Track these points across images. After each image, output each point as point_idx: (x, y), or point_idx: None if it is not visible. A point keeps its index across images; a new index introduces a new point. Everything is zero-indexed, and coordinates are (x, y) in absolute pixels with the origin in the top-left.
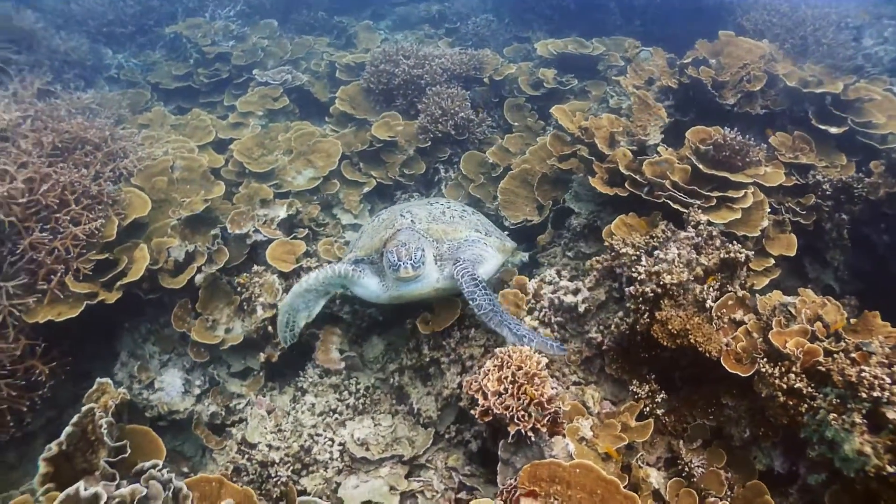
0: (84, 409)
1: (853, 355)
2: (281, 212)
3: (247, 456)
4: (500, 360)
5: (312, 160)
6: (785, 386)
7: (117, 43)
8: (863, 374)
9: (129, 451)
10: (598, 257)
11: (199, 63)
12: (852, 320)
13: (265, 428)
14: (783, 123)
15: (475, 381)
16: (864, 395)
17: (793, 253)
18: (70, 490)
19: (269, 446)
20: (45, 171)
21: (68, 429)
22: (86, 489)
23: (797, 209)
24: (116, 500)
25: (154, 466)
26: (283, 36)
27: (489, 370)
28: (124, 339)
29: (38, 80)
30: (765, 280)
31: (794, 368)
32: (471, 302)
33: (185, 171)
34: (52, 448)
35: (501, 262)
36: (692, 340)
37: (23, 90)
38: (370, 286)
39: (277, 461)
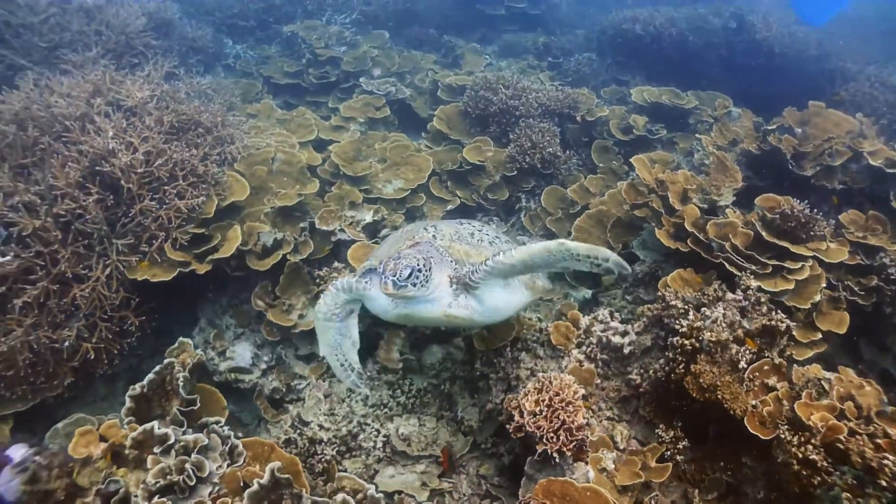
0: (165, 362)
1: (880, 441)
2: (367, 216)
3: (299, 431)
4: (541, 383)
5: (403, 172)
6: (801, 455)
7: (238, 34)
8: (885, 462)
9: (198, 405)
10: (649, 305)
11: (311, 63)
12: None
13: (320, 409)
14: (860, 201)
15: (515, 399)
16: (884, 484)
17: (842, 331)
18: (147, 426)
19: (321, 426)
20: (161, 146)
21: (151, 376)
22: (159, 428)
23: (856, 288)
24: (182, 443)
25: (217, 423)
26: (393, 48)
27: (529, 391)
28: (206, 308)
29: (167, 64)
30: (808, 352)
31: (813, 440)
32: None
33: (285, 164)
34: (136, 388)
35: (527, 301)
36: (719, 396)
37: (154, 72)
38: (378, 299)
39: (325, 440)
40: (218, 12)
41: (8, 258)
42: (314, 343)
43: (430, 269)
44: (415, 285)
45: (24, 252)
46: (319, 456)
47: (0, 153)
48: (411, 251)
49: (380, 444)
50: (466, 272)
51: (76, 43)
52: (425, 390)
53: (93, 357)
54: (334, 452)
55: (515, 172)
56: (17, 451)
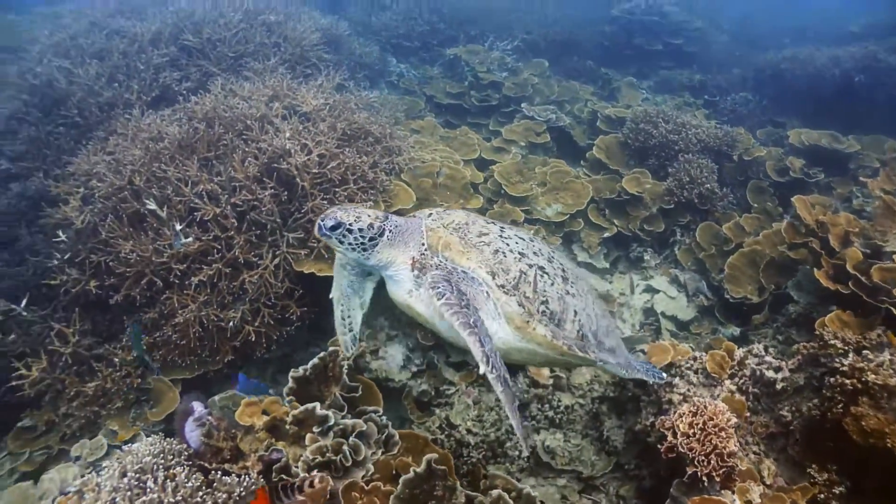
0: (330, 349)
1: None
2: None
3: (446, 433)
4: (696, 407)
5: (563, 197)
6: None
7: (402, 54)
8: None
9: (360, 392)
10: (805, 343)
11: (473, 86)
12: None
13: (468, 415)
14: None
15: (669, 420)
16: None
17: None
18: (309, 406)
19: (469, 430)
20: (334, 151)
21: (315, 361)
22: (320, 410)
23: None
24: (340, 426)
25: (375, 412)
26: (552, 77)
27: (684, 413)
28: None
29: (338, 76)
30: None
31: None
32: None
33: (449, 179)
34: (300, 371)
35: (512, 342)
36: (889, 444)
37: (326, 83)
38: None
39: (472, 444)
40: (384, 32)
41: (189, 240)
42: (467, 352)
43: (376, 234)
44: (340, 242)
45: (204, 235)
46: (465, 458)
47: (191, 146)
48: (372, 212)
49: (525, 454)
50: (428, 262)
51: (258, 53)
52: (572, 408)
53: (253, 339)
54: (480, 456)
55: (672, 206)
56: (198, 406)
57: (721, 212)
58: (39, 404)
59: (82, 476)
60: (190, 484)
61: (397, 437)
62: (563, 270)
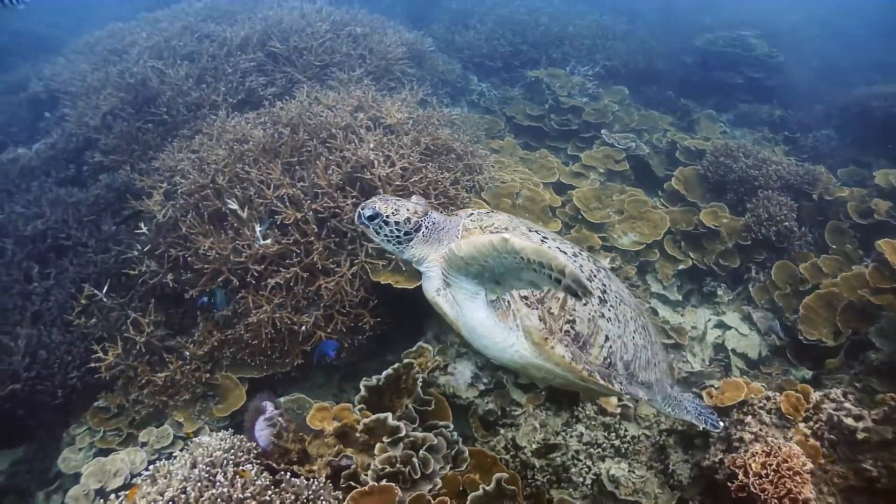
0: (405, 361)
1: None
2: (604, 262)
3: (511, 454)
4: (769, 448)
5: (639, 226)
6: None
7: (484, 73)
8: None
9: (432, 406)
10: (892, 394)
11: (553, 109)
12: None
13: (534, 437)
14: None
15: (741, 458)
16: None
17: None
18: (381, 415)
19: (534, 453)
20: (417, 165)
21: (389, 371)
22: (392, 420)
23: None
24: (411, 438)
25: (446, 426)
26: (631, 105)
27: (757, 453)
28: (433, 323)
29: (421, 91)
30: None
31: None
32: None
33: (528, 200)
34: (373, 380)
35: (526, 355)
36: None
37: (410, 97)
38: None
39: (537, 467)
40: (467, 50)
41: (268, 241)
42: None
43: (412, 230)
44: (377, 232)
45: (283, 239)
46: (529, 481)
47: (275, 150)
48: (412, 206)
49: (589, 482)
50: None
51: (343, 64)
52: (638, 438)
53: None
54: (544, 480)
55: (749, 242)
56: (269, 406)
57: (798, 251)
58: (113, 388)
59: (150, 461)
60: (259, 482)
61: (467, 454)
62: (604, 292)
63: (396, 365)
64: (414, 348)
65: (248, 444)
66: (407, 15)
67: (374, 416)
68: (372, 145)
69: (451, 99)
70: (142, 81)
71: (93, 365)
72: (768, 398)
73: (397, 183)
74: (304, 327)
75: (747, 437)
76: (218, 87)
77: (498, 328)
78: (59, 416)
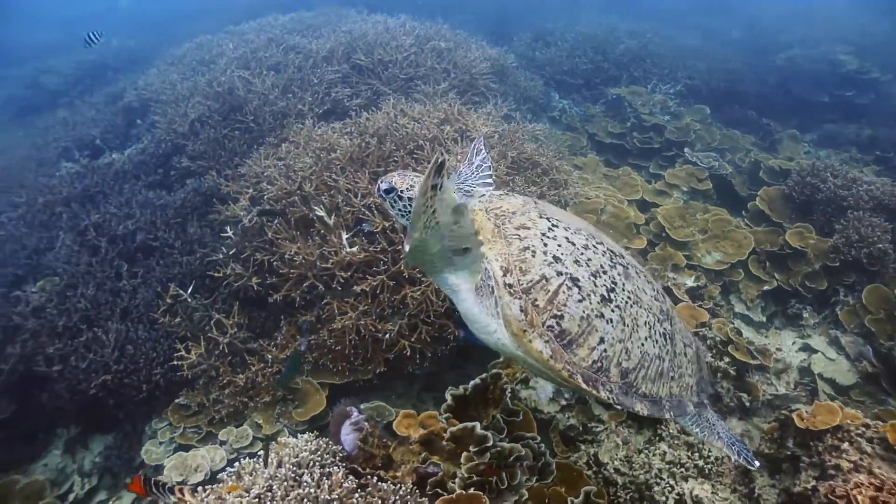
0: (493, 372)
1: None
2: (688, 281)
3: (594, 470)
4: (880, 481)
5: (723, 245)
6: None
7: (565, 90)
8: None
9: (520, 417)
10: None
11: (635, 127)
12: None
13: (616, 454)
14: None
15: (841, 488)
16: None
17: None
18: (469, 424)
19: (617, 470)
20: (504, 178)
21: (476, 381)
22: (480, 430)
23: None
24: (498, 448)
25: (532, 438)
26: (713, 124)
27: (863, 484)
28: None
29: (505, 106)
30: None
31: None
32: None
33: (613, 217)
34: (460, 389)
35: (504, 340)
36: None
37: (495, 111)
38: None
39: (619, 484)
40: (548, 67)
41: (354, 249)
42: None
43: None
44: (392, 206)
45: (370, 247)
46: (612, 498)
47: (361, 159)
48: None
49: (671, 502)
50: None
51: (428, 77)
52: (722, 460)
53: (407, 354)
54: (627, 497)
55: (838, 264)
56: (354, 411)
57: (893, 274)
58: (194, 386)
59: (231, 459)
60: (346, 485)
61: (553, 466)
62: (610, 290)
63: (484, 375)
64: (501, 359)
65: (334, 447)
66: (483, 31)
67: (461, 425)
68: (459, 157)
69: (533, 115)
70: (229, 90)
71: (176, 363)
72: (867, 426)
73: None
74: (388, 335)
75: (845, 465)
76: (304, 97)
77: (483, 314)
78: (143, 410)
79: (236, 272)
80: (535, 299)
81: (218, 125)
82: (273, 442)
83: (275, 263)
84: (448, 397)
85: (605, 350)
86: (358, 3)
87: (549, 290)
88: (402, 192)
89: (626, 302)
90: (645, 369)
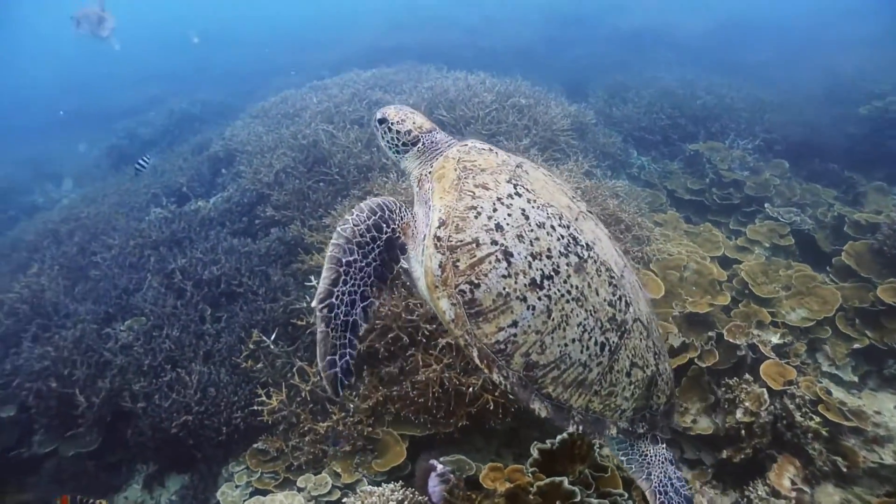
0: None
1: None
2: (774, 338)
3: None
4: None
5: (808, 302)
6: None
7: (643, 147)
8: None
9: (609, 473)
10: None
11: (714, 183)
12: None
13: None
14: None
15: None
16: None
17: None
18: (557, 479)
19: None
20: None
21: (563, 436)
22: (567, 485)
23: None
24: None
25: (620, 495)
26: (793, 178)
27: None
28: None
29: (586, 163)
30: None
31: None
32: None
33: (696, 274)
34: (547, 444)
35: (424, 292)
36: None
37: (576, 168)
38: None
39: None
40: (626, 124)
41: None
42: (703, 449)
43: (409, 142)
44: (382, 137)
45: None
46: None
47: None
48: (420, 120)
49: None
50: (424, 185)
51: (510, 133)
52: None
53: (490, 408)
54: None
55: None
56: (439, 464)
57: None
58: (274, 432)
59: None
60: None
61: None
62: (546, 277)
63: (571, 431)
64: None
65: (419, 498)
66: (557, 89)
67: (549, 479)
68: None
69: (613, 171)
70: (313, 143)
71: (256, 408)
72: None
73: None
74: (472, 388)
75: None
76: (387, 152)
77: (414, 259)
78: (220, 452)
79: None
80: (458, 259)
81: (302, 176)
82: (357, 491)
83: None
84: (534, 451)
85: (514, 334)
86: (437, 60)
87: (474, 256)
88: (392, 123)
89: (562, 295)
90: (559, 371)
